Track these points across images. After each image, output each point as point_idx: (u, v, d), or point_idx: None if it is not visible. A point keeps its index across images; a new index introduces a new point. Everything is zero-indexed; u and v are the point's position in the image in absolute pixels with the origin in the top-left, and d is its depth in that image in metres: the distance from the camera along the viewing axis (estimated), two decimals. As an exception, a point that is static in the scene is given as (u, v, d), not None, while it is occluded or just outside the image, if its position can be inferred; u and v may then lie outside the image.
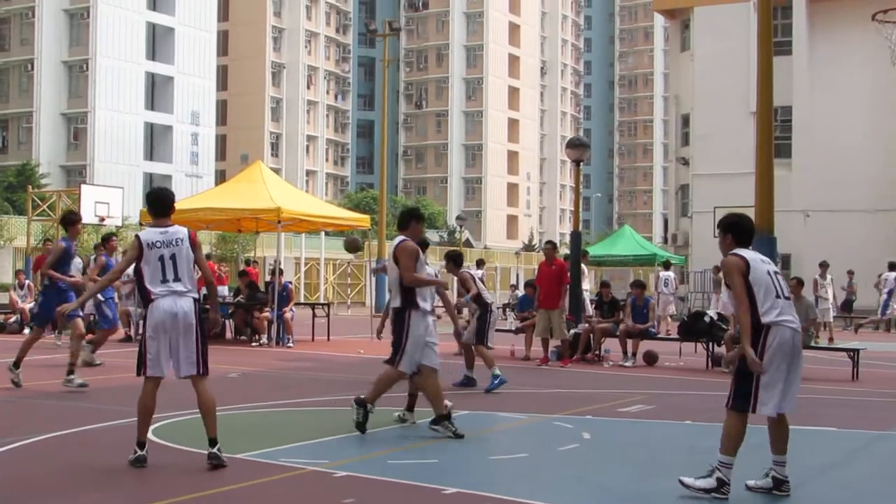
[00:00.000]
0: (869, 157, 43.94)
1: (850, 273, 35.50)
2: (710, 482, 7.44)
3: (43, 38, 72.90)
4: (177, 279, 8.29)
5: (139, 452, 8.20)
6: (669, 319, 29.63)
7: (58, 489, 7.66)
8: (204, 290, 10.74)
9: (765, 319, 7.43)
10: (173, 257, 8.30)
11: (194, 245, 8.47)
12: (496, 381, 14.01)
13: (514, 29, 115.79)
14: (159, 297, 8.23)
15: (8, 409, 11.84)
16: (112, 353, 19.79)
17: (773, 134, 19.37)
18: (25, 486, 7.70)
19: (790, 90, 42.63)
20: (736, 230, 7.81)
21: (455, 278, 16.01)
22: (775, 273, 7.67)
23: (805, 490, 7.55)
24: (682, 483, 7.53)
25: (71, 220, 14.29)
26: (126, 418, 10.69)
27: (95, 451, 9.18)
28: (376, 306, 31.25)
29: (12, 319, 26.02)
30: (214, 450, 8.20)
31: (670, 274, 31.41)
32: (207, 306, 9.04)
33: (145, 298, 8.34)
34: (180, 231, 8.47)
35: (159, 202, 8.56)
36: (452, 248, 13.21)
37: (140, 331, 22.39)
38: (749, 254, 7.67)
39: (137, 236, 8.45)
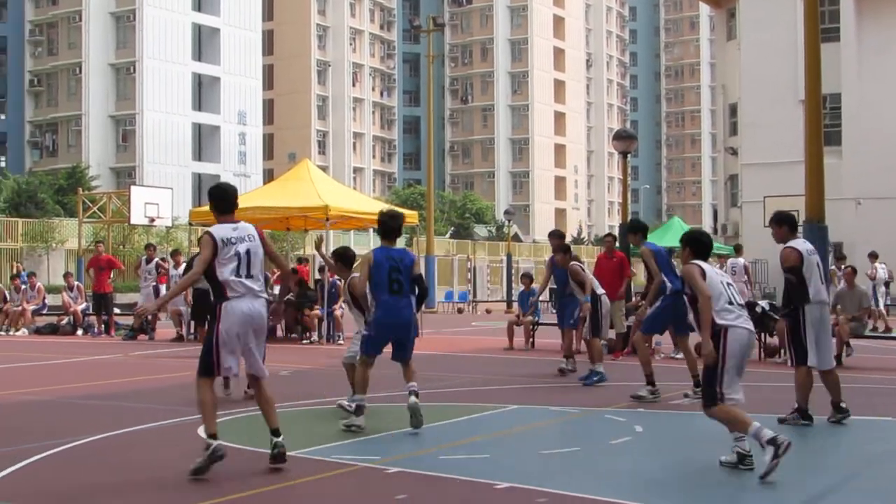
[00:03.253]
0: (920, 143, 43.40)
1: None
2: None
3: (90, 41, 73.66)
4: (249, 276, 8.05)
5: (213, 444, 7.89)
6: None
7: (110, 489, 7.72)
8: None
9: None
10: (248, 252, 8.07)
11: (263, 240, 8.28)
12: (595, 378, 14.09)
13: (558, 22, 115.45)
14: (236, 298, 7.99)
15: (65, 410, 11.97)
16: (167, 352, 19.97)
17: (822, 122, 19.22)
18: (81, 486, 7.80)
19: (839, 77, 42.17)
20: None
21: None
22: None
23: (859, 481, 7.47)
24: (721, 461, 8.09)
25: None
26: (174, 418, 10.77)
27: (144, 451, 9.27)
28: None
29: (64, 321, 26.31)
30: (279, 439, 8.04)
31: (739, 260, 26.59)
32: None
33: (220, 296, 8.03)
34: (249, 227, 8.27)
35: (224, 198, 8.34)
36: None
37: (192, 330, 22.67)
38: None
39: (209, 232, 8.12)
